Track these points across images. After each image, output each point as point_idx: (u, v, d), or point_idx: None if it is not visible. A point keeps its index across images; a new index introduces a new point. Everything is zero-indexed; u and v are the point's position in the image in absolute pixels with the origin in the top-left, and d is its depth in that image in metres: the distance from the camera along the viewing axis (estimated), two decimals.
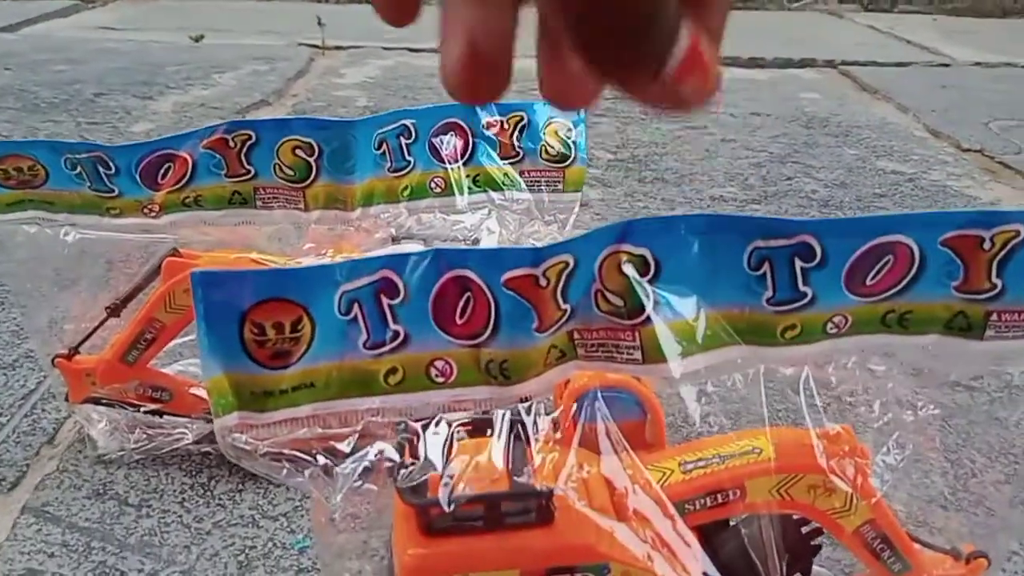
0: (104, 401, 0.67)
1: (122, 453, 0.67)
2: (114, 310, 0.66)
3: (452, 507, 0.40)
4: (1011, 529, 0.51)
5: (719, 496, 0.44)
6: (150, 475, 0.65)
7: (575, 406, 0.47)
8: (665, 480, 0.45)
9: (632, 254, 0.41)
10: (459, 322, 0.42)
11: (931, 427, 0.45)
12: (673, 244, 0.41)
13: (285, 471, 0.41)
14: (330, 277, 0.41)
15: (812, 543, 0.46)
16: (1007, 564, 0.55)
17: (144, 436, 0.67)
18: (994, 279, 0.41)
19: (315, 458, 0.41)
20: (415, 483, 0.41)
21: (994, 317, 0.42)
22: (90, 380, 0.66)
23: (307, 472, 0.41)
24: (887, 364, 0.44)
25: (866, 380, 0.44)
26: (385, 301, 0.41)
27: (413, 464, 0.42)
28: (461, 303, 0.41)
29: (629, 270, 0.41)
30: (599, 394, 0.47)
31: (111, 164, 0.61)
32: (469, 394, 0.43)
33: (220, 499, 0.63)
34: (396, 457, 0.42)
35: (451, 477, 0.41)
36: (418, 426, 0.43)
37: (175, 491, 0.64)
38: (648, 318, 0.41)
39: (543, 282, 0.41)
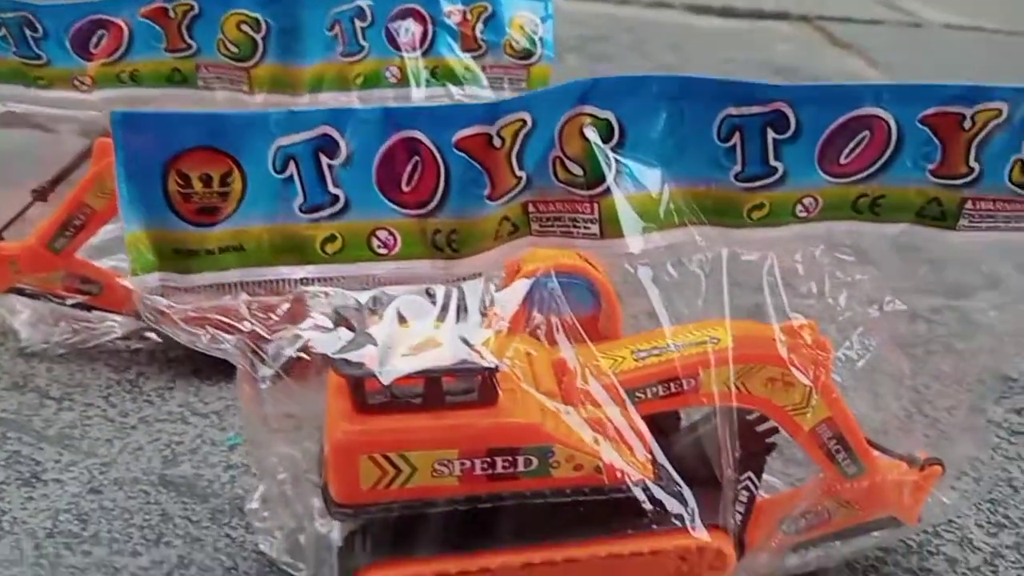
0: (28, 292, 0.63)
1: (46, 346, 0.63)
2: (40, 194, 0.62)
3: (389, 381, 0.38)
4: (964, 443, 0.50)
5: (672, 385, 0.42)
6: (74, 369, 0.61)
7: (526, 293, 0.45)
8: (616, 367, 0.42)
9: (596, 117, 0.38)
10: (406, 189, 0.39)
11: (898, 325, 0.44)
12: (640, 109, 0.38)
13: (208, 339, 0.38)
14: (264, 128, 0.37)
15: (767, 441, 0.44)
16: (957, 483, 0.54)
17: (70, 330, 0.63)
18: (972, 162, 0.39)
19: (242, 326, 0.38)
20: (351, 356, 0.38)
21: (968, 205, 0.40)
22: (14, 268, 0.62)
23: (232, 341, 0.38)
24: (857, 256, 0.42)
25: (833, 272, 0.42)
26: (325, 160, 0.38)
27: (350, 335, 0.39)
28: (409, 168, 0.38)
29: (591, 134, 0.38)
30: (552, 280, 0.44)
31: (38, 26, 0.56)
32: (413, 268, 0.40)
33: (148, 395, 0.60)
34: (333, 330, 0.39)
35: (389, 350, 0.38)
36: (356, 300, 0.40)
37: (100, 386, 0.60)
38: (608, 189, 0.38)
39: (497, 142, 0.38)
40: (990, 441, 0.61)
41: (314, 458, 0.42)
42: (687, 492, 0.40)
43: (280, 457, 0.43)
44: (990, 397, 0.68)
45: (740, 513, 0.44)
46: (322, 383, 0.40)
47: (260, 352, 0.38)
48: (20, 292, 0.62)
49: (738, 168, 0.39)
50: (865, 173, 0.40)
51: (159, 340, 0.62)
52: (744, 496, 0.44)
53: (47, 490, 0.51)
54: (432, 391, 0.38)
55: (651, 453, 0.41)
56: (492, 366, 0.38)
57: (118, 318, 0.63)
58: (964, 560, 0.51)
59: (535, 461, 0.39)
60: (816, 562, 0.49)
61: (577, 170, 0.38)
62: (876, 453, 0.47)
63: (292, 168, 0.38)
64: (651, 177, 0.39)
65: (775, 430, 0.44)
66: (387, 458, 0.38)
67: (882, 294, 0.43)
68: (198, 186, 0.37)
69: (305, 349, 0.38)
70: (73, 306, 0.62)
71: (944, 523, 0.53)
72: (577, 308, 0.45)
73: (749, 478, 0.44)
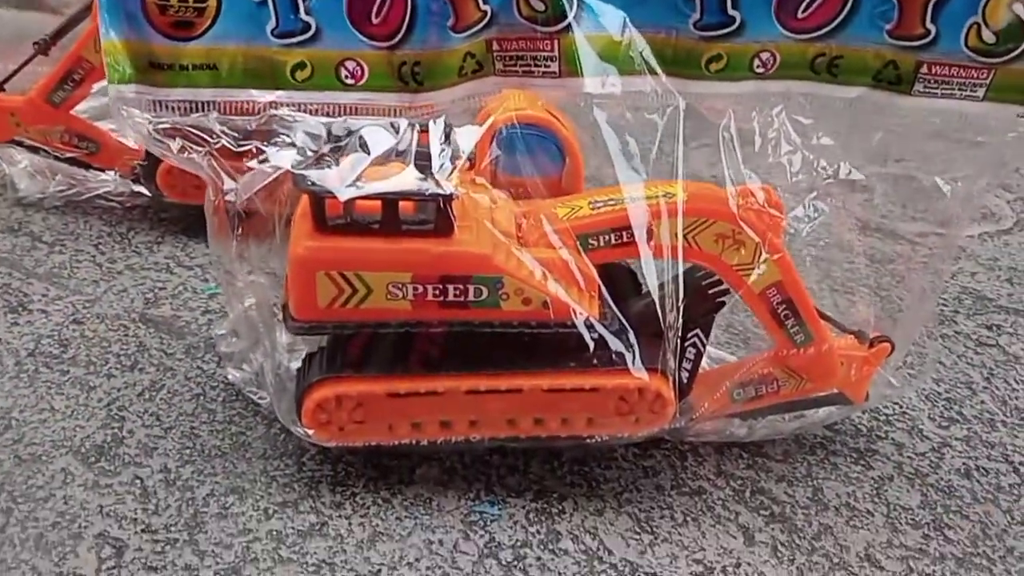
0: (27, 144, 0.65)
1: (42, 197, 0.65)
2: (42, 48, 0.63)
3: (345, 199, 0.39)
4: (913, 324, 0.51)
5: (624, 234, 0.43)
6: (68, 220, 0.64)
7: (492, 142, 0.46)
8: (572, 214, 0.44)
9: None
10: (375, 21, 0.40)
11: (854, 194, 0.45)
12: None
13: (178, 148, 0.40)
14: None
15: (717, 300, 0.45)
16: (908, 370, 0.55)
17: (66, 183, 0.65)
18: (928, 24, 0.40)
19: (214, 137, 0.40)
20: (312, 175, 0.39)
21: (924, 69, 0.41)
22: (14, 120, 0.64)
23: (204, 152, 0.40)
24: (814, 119, 0.43)
25: (789, 134, 0.43)
26: None
27: (316, 158, 0.40)
28: (379, 1, 0.40)
29: None
30: (518, 131, 0.45)
31: None
32: (378, 99, 0.42)
33: (137, 247, 0.62)
34: (299, 152, 0.41)
35: (350, 173, 0.40)
36: (323, 126, 0.42)
37: (91, 235, 0.62)
38: (568, 27, 0.40)
39: None
40: (955, 349, 0.63)
41: (280, 284, 0.44)
42: (630, 333, 0.42)
43: (247, 283, 0.45)
44: (963, 312, 0.69)
45: (687, 370, 0.46)
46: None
47: (227, 166, 0.40)
48: (19, 144, 0.65)
49: (697, 16, 0.40)
50: (823, 30, 0.40)
51: (148, 196, 0.64)
52: (691, 353, 0.46)
53: (32, 318, 0.53)
54: (389, 215, 0.40)
55: (599, 294, 0.42)
56: (448, 193, 0.39)
57: (111, 175, 0.65)
58: (911, 446, 0.52)
59: (485, 291, 0.41)
60: (762, 434, 0.50)
61: (539, 5, 0.39)
62: (826, 325, 0.48)
63: None
64: (612, 19, 0.40)
65: (726, 292, 0.46)
66: (343, 276, 0.40)
67: (838, 160, 0.44)
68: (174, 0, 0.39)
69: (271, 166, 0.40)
70: (69, 161, 0.65)
71: (897, 414, 0.55)
72: (542, 162, 0.46)
73: (697, 335, 0.46)
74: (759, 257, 0.44)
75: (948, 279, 0.76)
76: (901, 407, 0.56)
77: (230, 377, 0.48)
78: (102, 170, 0.66)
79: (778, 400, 0.49)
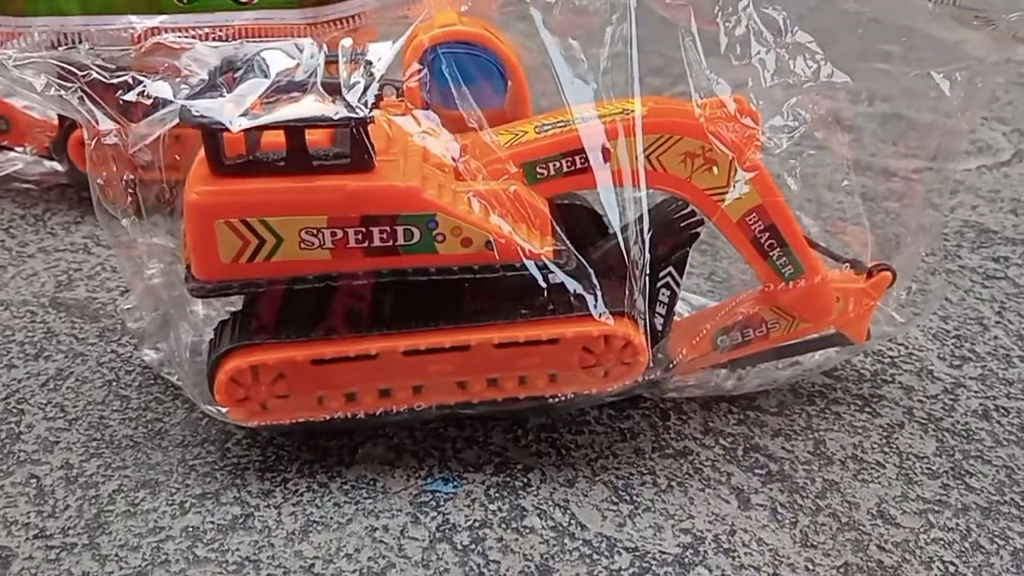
0: None
1: None
2: None
3: (248, 136, 0.33)
4: (915, 245, 0.45)
5: (577, 159, 0.37)
6: None
7: (419, 65, 0.40)
8: (515, 140, 0.38)
9: None
10: None
11: (836, 95, 0.39)
12: None
13: (43, 84, 0.34)
14: None
15: (689, 232, 0.40)
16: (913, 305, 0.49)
17: None
18: None
19: (81, 76, 0.34)
20: (200, 106, 0.34)
21: None
22: None
23: (71, 90, 0.34)
24: (783, 7, 0.37)
25: (760, 32, 0.37)
26: None
27: (206, 87, 0.35)
28: None
29: None
30: (450, 51, 0.40)
31: None
32: (278, 18, 0.36)
33: (52, 228, 0.56)
34: (185, 82, 0.35)
35: (246, 100, 0.34)
36: (214, 55, 0.36)
37: (2, 219, 0.56)
38: None
39: None
40: (962, 284, 0.57)
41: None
42: (590, 273, 0.36)
43: (150, 247, 0.39)
44: (967, 246, 0.64)
45: (661, 315, 0.40)
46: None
47: (102, 102, 0.34)
48: None
49: None
50: None
51: (63, 172, 0.58)
52: (664, 295, 0.40)
53: None
54: (296, 149, 0.34)
55: (552, 230, 0.37)
56: (361, 116, 0.33)
57: (23, 153, 0.59)
58: (922, 388, 0.47)
59: (417, 233, 0.35)
60: (752, 385, 0.45)
61: None
62: (817, 255, 0.42)
63: None
64: None
65: (699, 222, 0.40)
66: (247, 224, 0.34)
67: (818, 60, 0.38)
68: None
69: (152, 100, 0.34)
70: None
71: (903, 355, 0.49)
72: (481, 90, 0.40)
73: (670, 274, 0.40)
74: (734, 176, 0.38)
75: (948, 213, 0.70)
76: (907, 348, 0.50)
77: (146, 359, 0.42)
78: (12, 148, 0.60)
79: (768, 345, 0.44)
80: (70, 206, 0.58)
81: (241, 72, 0.35)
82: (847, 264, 0.43)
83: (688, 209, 0.40)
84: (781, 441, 0.43)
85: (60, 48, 0.34)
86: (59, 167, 0.58)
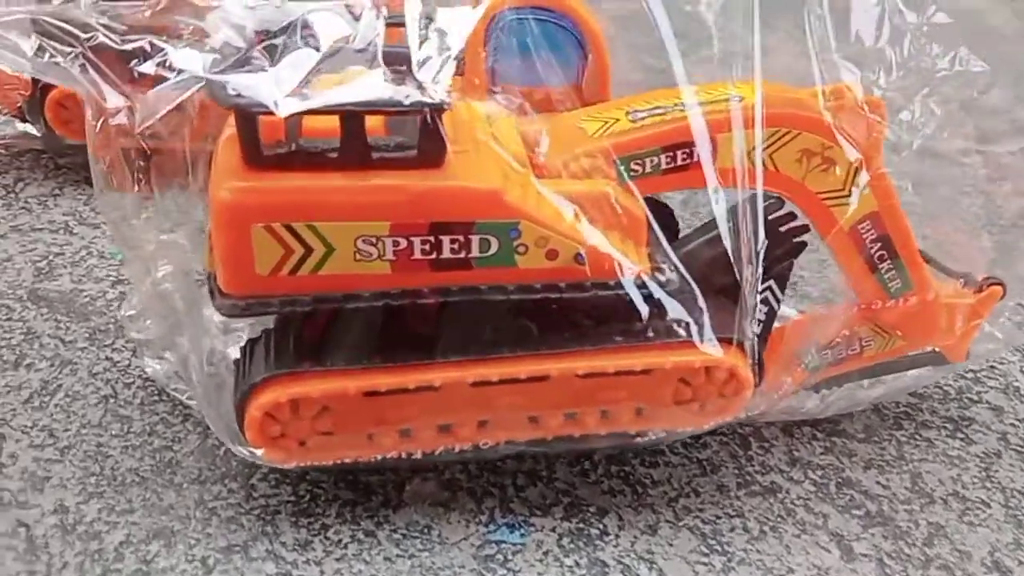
0: None
1: None
2: None
3: (291, 119, 0.27)
4: None
5: (678, 154, 0.31)
6: None
7: (488, 34, 0.34)
8: (606, 130, 0.32)
9: None
10: None
11: (972, 89, 0.33)
12: None
13: (35, 48, 0.27)
14: None
15: (795, 240, 0.34)
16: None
17: None
18: None
19: (88, 32, 0.27)
20: (234, 82, 0.27)
21: None
22: None
23: (71, 56, 0.27)
24: None
25: (893, 5, 0.32)
26: None
27: (242, 58, 0.28)
28: None
29: None
30: (520, 18, 0.33)
31: None
32: None
33: (27, 202, 0.49)
34: (216, 50, 0.28)
35: (291, 75, 0.27)
36: (250, 16, 0.29)
37: None
38: None
39: None
40: None
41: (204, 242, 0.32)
42: (696, 292, 0.31)
43: (160, 245, 0.32)
44: None
45: (757, 334, 0.35)
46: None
47: (109, 73, 0.27)
48: None
49: None
50: None
51: (38, 136, 0.51)
52: (763, 311, 0.35)
53: None
54: (353, 139, 0.27)
55: (652, 240, 0.31)
56: (438, 102, 0.27)
57: None
58: (1012, 409, 0.42)
59: (495, 244, 0.29)
60: (837, 407, 0.40)
61: None
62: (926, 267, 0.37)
63: None
64: None
65: (804, 229, 0.35)
66: (291, 230, 0.28)
67: (956, 45, 0.33)
68: None
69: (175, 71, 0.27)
70: None
71: (984, 368, 0.45)
72: (557, 61, 0.34)
73: (770, 288, 0.35)
74: (855, 182, 0.33)
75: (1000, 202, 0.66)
76: (987, 360, 0.46)
77: (149, 371, 0.36)
78: None
79: (861, 364, 0.39)
80: (46, 175, 0.51)
81: (283, 40, 0.28)
82: (960, 279, 0.38)
83: (787, 211, 0.34)
84: (875, 474, 0.38)
85: (55, 2, 0.27)
86: (33, 130, 0.50)
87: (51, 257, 0.44)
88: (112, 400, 0.36)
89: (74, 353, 0.39)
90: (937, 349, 0.39)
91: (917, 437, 0.40)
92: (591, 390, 0.32)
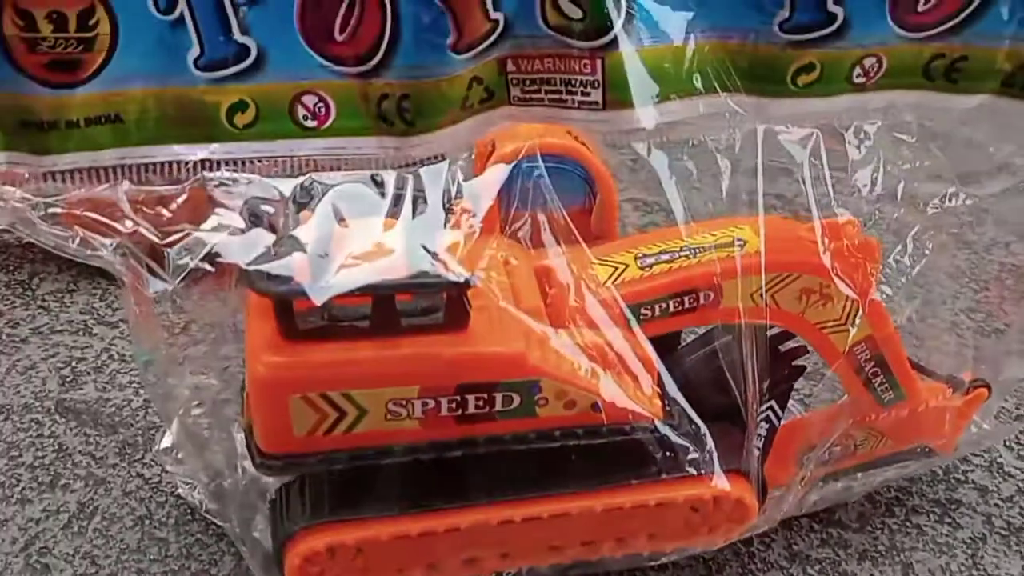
0: None
1: None
2: None
3: (323, 301, 0.29)
4: (1013, 364, 0.43)
5: (686, 299, 0.33)
6: None
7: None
8: (617, 277, 0.34)
9: None
10: (340, 37, 0.29)
11: (959, 222, 0.36)
12: None
13: (78, 241, 0.28)
14: None
15: (794, 364, 0.36)
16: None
17: None
18: None
19: (123, 225, 0.28)
20: (272, 268, 0.29)
21: None
22: None
23: (110, 244, 0.28)
24: (919, 135, 0.33)
25: (890, 154, 0.34)
26: None
27: (270, 239, 0.30)
28: (344, 6, 0.28)
29: None
30: (535, 164, 0.35)
31: None
32: (353, 147, 0.31)
33: (44, 300, 0.50)
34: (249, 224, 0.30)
35: (324, 258, 0.29)
36: (278, 190, 0.31)
37: None
38: (615, 40, 0.29)
39: None
40: (1011, 347, 0.55)
41: (238, 384, 0.34)
42: (704, 432, 0.33)
43: (190, 388, 0.34)
44: (1011, 297, 0.62)
45: (758, 448, 0.37)
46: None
47: (147, 260, 0.28)
48: None
49: (785, 15, 0.29)
50: (947, 25, 0.30)
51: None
52: (763, 429, 0.37)
53: None
54: (383, 311, 0.29)
55: (660, 385, 0.33)
56: (462, 279, 0.29)
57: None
58: (995, 489, 0.45)
59: (517, 399, 0.31)
60: (835, 497, 0.42)
61: (575, 12, 0.28)
62: (916, 375, 0.39)
63: (183, 6, 0.28)
64: (673, 25, 0.29)
65: (803, 350, 0.37)
66: (326, 398, 0.30)
67: (944, 185, 0.35)
68: (46, 29, 0.27)
69: (212, 259, 0.29)
70: None
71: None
72: (565, 200, 0.36)
73: (771, 408, 0.37)
74: (852, 313, 0.35)
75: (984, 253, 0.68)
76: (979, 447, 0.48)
77: (181, 492, 0.38)
78: None
79: (855, 462, 0.41)
80: (59, 268, 0.52)
81: (313, 217, 0.30)
82: (948, 384, 0.40)
83: (788, 335, 0.37)
84: (869, 566, 0.40)
85: (95, 188, 0.29)
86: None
87: (73, 363, 0.46)
88: (147, 521, 0.38)
89: (106, 471, 0.40)
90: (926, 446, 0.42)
91: (908, 524, 0.43)
92: (608, 522, 0.34)
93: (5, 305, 0.49)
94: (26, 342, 0.47)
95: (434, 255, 0.29)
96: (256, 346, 0.30)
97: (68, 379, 0.45)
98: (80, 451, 0.41)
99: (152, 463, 0.41)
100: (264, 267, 0.28)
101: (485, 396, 0.31)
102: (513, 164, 0.33)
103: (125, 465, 0.41)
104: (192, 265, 0.28)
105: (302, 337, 0.29)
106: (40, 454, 0.41)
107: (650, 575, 0.38)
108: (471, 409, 0.31)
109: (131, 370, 0.46)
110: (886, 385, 0.38)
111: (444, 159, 0.30)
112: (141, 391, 0.44)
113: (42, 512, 0.38)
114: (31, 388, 0.44)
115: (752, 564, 0.40)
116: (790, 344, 0.36)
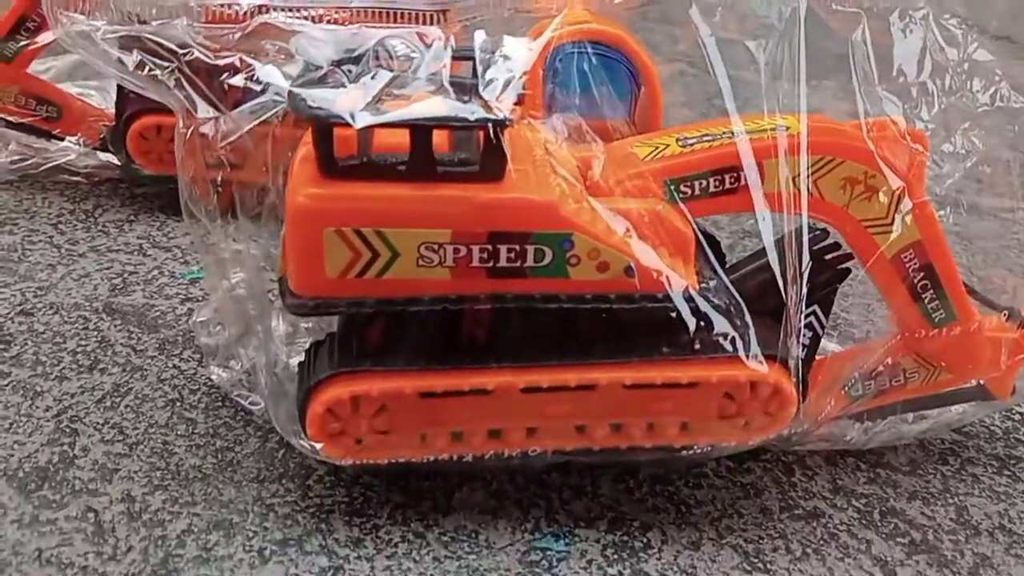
0: None
1: None
2: None
3: (365, 133, 0.29)
4: None
5: (726, 178, 0.33)
6: (23, 196, 0.54)
7: (548, 64, 0.36)
8: (657, 154, 0.34)
9: None
10: None
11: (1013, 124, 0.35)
12: None
13: (135, 63, 0.30)
14: None
15: (838, 268, 0.35)
16: None
17: (20, 152, 0.55)
18: None
19: (184, 49, 0.30)
20: (314, 96, 0.29)
21: None
22: None
23: (168, 70, 0.30)
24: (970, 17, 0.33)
25: (933, 42, 0.33)
26: None
27: (320, 76, 0.30)
28: None
29: None
30: (580, 49, 0.35)
31: None
32: (402, 1, 0.32)
33: (104, 226, 0.52)
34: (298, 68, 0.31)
35: (367, 92, 0.29)
36: (330, 38, 0.32)
37: (50, 214, 0.52)
38: None
39: None
40: None
41: (277, 251, 0.34)
42: (743, 308, 0.32)
43: (234, 254, 0.34)
44: None
45: (801, 357, 0.36)
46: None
47: (202, 86, 0.30)
48: None
49: None
50: None
51: (118, 166, 0.54)
52: (807, 335, 0.36)
53: None
54: (421, 152, 0.30)
55: (700, 257, 0.32)
56: (501, 118, 0.29)
57: (75, 143, 0.55)
58: None
59: (548, 254, 0.30)
60: (881, 439, 0.40)
61: None
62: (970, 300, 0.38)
63: None
64: None
65: (848, 257, 0.36)
66: (360, 235, 0.30)
67: (996, 81, 0.34)
68: None
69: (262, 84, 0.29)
70: (23, 127, 0.54)
71: None
72: (610, 93, 0.36)
73: (814, 313, 0.35)
74: (897, 209, 0.34)
75: None
76: None
77: (214, 378, 0.38)
78: (62, 138, 0.56)
79: (904, 396, 0.39)
80: (122, 203, 0.54)
81: (359, 60, 0.30)
82: (1004, 312, 0.38)
83: (832, 240, 0.36)
84: (919, 505, 0.38)
85: (154, 23, 0.30)
86: (114, 160, 0.54)
87: (126, 275, 0.47)
88: (179, 404, 0.38)
89: (144, 360, 0.41)
90: (982, 383, 0.40)
91: (963, 472, 0.40)
92: (638, 401, 0.33)
93: (67, 228, 0.51)
94: (83, 256, 0.48)
95: (476, 99, 0.30)
96: (297, 182, 0.30)
97: (119, 287, 0.46)
98: (122, 344, 0.42)
99: (190, 358, 0.41)
100: (308, 93, 0.29)
101: (517, 248, 0.30)
102: (550, 41, 0.33)
103: (163, 358, 0.41)
104: (240, 83, 0.29)
105: (341, 175, 0.30)
106: (84, 343, 0.41)
107: (684, 491, 0.37)
108: (502, 262, 0.30)
109: (179, 284, 0.47)
110: (936, 302, 0.36)
111: (486, 13, 0.31)
112: (187, 301, 0.45)
113: (78, 387, 0.39)
114: (83, 292, 0.45)
115: (793, 492, 0.38)
116: (834, 252, 0.36)
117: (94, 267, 0.48)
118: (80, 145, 0.55)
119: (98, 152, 0.55)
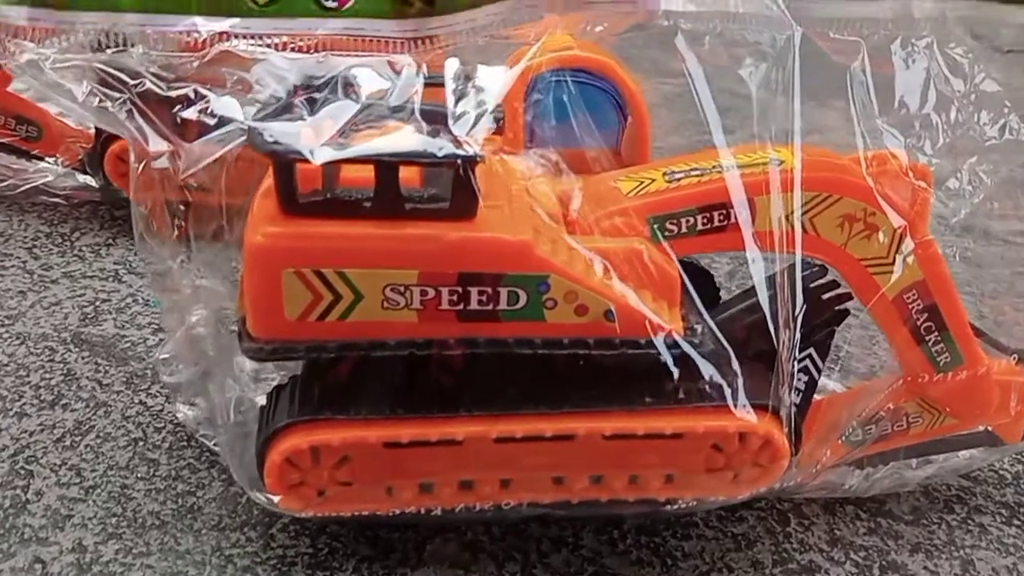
0: None
1: None
2: None
3: (328, 168, 0.27)
4: None
5: (715, 215, 0.31)
6: None
7: (526, 94, 0.34)
8: (642, 189, 0.32)
9: None
10: None
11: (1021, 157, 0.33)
12: None
13: (86, 92, 0.28)
14: None
15: (836, 309, 0.33)
16: None
17: None
18: None
19: (132, 85, 0.28)
20: (274, 131, 0.28)
21: None
22: None
23: (120, 99, 0.28)
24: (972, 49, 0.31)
25: (938, 72, 0.31)
26: None
27: (282, 106, 0.29)
28: None
29: None
30: (560, 79, 0.34)
31: None
32: (370, 27, 0.30)
33: (80, 251, 0.50)
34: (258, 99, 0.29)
35: (329, 125, 0.28)
36: (293, 68, 0.30)
37: (25, 237, 0.51)
38: None
39: None
40: None
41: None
42: (731, 355, 0.30)
43: (195, 289, 0.33)
44: None
45: (796, 404, 0.34)
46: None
47: (154, 119, 0.28)
48: None
49: None
50: None
51: (97, 188, 0.52)
52: (802, 380, 0.34)
53: None
54: (387, 188, 0.28)
55: (685, 300, 0.30)
56: (471, 155, 0.27)
57: (54, 164, 0.54)
58: None
59: (523, 297, 0.29)
60: (882, 486, 0.38)
61: None
62: (977, 342, 0.36)
63: None
64: None
65: (847, 296, 0.34)
66: (320, 276, 0.28)
67: (1005, 113, 0.32)
68: None
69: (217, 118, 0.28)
70: (2, 148, 0.53)
71: None
72: (595, 123, 0.34)
73: (809, 357, 0.33)
74: (898, 248, 0.32)
75: None
76: None
77: (179, 416, 0.36)
78: (42, 158, 0.54)
79: (907, 442, 0.37)
80: (101, 226, 0.52)
81: (324, 92, 0.29)
82: (1013, 356, 0.36)
83: (830, 279, 0.34)
84: (922, 559, 0.36)
85: (108, 51, 0.29)
86: (92, 182, 0.52)
87: (98, 303, 0.45)
88: (141, 443, 0.37)
89: (110, 396, 0.39)
90: (990, 428, 0.38)
91: (969, 522, 0.38)
92: (619, 453, 0.31)
93: (42, 252, 0.50)
94: (56, 283, 0.47)
95: (445, 133, 0.28)
96: (256, 219, 0.28)
97: (90, 316, 0.44)
98: (88, 377, 0.40)
99: (158, 393, 0.39)
100: (268, 127, 0.27)
101: (489, 290, 0.28)
102: (528, 68, 0.31)
103: (129, 393, 0.39)
104: (192, 116, 0.27)
105: (302, 212, 0.28)
106: (47, 376, 0.40)
107: (671, 542, 0.35)
108: (473, 304, 0.29)
109: (153, 313, 0.45)
110: (941, 344, 0.34)
111: (456, 47, 0.29)
112: (159, 332, 0.44)
113: (38, 426, 0.37)
114: (52, 321, 0.44)
115: (787, 543, 0.36)
116: (831, 291, 0.34)
117: (66, 294, 0.46)
118: (59, 166, 0.54)
119: (77, 174, 0.54)
